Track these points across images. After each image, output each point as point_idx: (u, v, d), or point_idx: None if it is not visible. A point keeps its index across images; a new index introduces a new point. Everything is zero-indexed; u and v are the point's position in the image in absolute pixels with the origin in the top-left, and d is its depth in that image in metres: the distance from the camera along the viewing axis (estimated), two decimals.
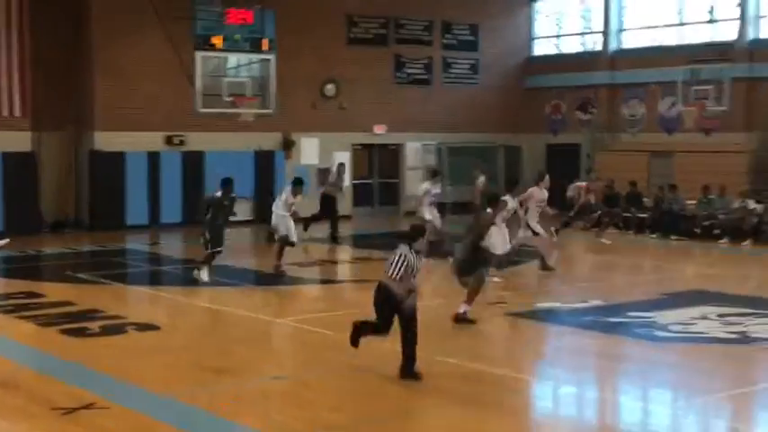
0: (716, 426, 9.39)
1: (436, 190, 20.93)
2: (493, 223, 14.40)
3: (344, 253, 22.59)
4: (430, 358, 10.71)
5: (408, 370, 10.21)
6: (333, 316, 14.05)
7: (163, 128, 26.90)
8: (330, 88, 29.94)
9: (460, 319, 13.02)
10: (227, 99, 26.20)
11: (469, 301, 13.15)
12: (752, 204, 23.85)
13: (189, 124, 26.89)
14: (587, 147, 31.70)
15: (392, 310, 10.23)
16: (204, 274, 16.99)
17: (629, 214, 26.51)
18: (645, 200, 27.06)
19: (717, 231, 24.15)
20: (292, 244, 18.24)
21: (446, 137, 31.41)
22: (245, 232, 25.56)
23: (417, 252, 10.45)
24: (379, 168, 31.84)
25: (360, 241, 24.56)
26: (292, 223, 18.22)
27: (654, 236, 25.15)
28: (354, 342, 10.62)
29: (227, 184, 17.22)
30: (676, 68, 27.96)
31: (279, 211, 18.17)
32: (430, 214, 20.34)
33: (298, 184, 18.37)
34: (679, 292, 16.03)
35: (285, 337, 13.27)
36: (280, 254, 18.11)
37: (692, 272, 19.79)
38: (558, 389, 10.54)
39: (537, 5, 34.44)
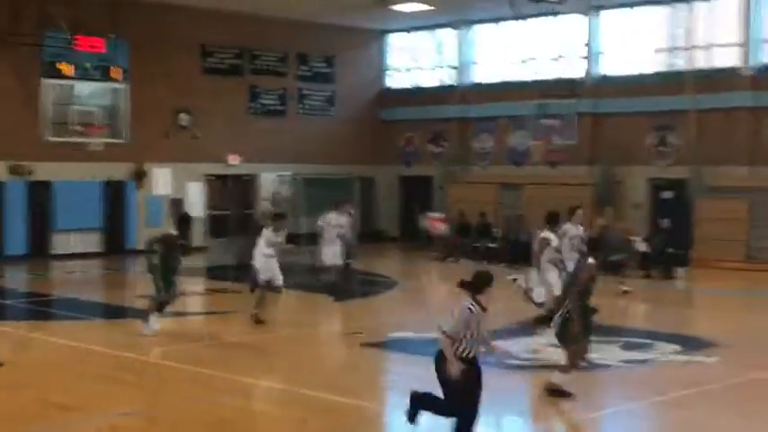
0: None
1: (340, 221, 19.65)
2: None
3: (198, 285, 22.23)
4: (287, 388, 10.62)
5: None
6: (185, 349, 13.77)
7: (6, 156, 25.97)
8: (184, 117, 29.57)
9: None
10: (76, 128, 25.54)
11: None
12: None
13: (36, 153, 26.07)
14: (439, 179, 32.26)
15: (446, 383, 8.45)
16: (154, 324, 14.73)
17: (478, 244, 27.06)
18: (494, 230, 27.69)
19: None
20: (279, 290, 16.07)
21: (301, 168, 31.43)
22: (93, 264, 24.87)
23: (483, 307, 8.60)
24: (234, 199, 31.55)
25: (214, 273, 24.22)
26: (277, 265, 16.06)
27: (503, 265, 25.69)
28: (411, 419, 8.93)
29: (185, 221, 15.47)
30: (525, 103, 28.80)
31: (263, 252, 15.85)
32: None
33: (277, 219, 16.76)
34: (527, 321, 16.35)
35: (135, 372, 12.91)
36: (260, 301, 15.79)
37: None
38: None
39: (390, 38, 34.93)
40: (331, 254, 19.22)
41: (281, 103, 32.10)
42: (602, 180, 28.28)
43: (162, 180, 29.01)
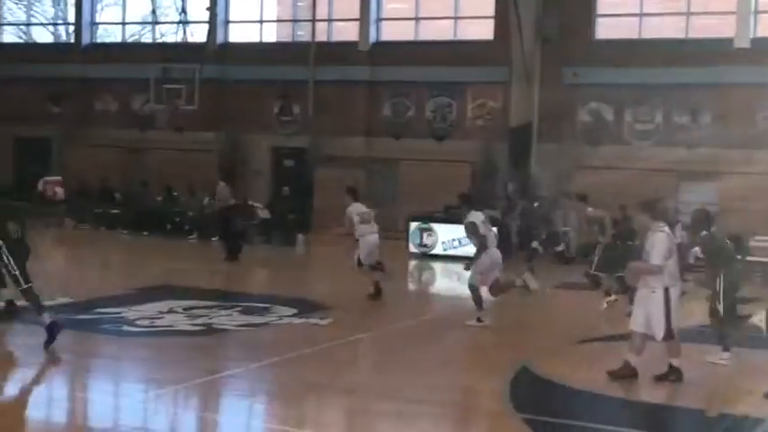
0: (185, 414, 9.58)
1: None
2: None
3: None
4: None
5: None
6: None
7: None
8: None
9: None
10: None
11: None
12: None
13: None
14: (58, 141, 30.82)
15: None
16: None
17: (100, 210, 26.26)
18: (117, 195, 26.99)
19: (187, 227, 24.79)
20: None
21: None
22: None
23: None
24: None
25: None
26: None
27: (125, 232, 25.16)
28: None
29: None
30: (149, 66, 28.19)
31: None
32: None
33: None
34: (147, 287, 16.18)
35: None
36: None
37: (161, 267, 20.04)
38: (24, 389, 10.08)
39: None
40: None
41: None
42: (227, 147, 28.45)
43: None
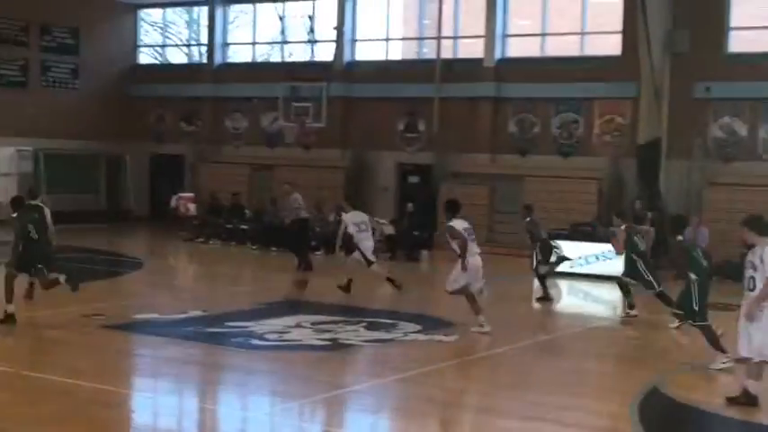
0: (310, 429, 9.72)
1: None
2: None
3: None
4: (19, 372, 10.12)
5: None
6: None
7: None
8: None
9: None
10: None
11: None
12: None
13: None
14: (191, 158, 31.77)
15: None
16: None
17: (230, 226, 26.88)
18: (247, 212, 27.59)
19: (314, 243, 25.10)
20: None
21: (44, 143, 30.00)
22: None
23: None
24: None
25: None
26: None
27: (255, 247, 25.67)
28: None
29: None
30: (278, 84, 28.80)
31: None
32: None
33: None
34: (275, 302, 16.47)
35: None
36: None
37: (289, 282, 20.38)
38: (156, 401, 10.38)
39: (142, 13, 34.01)
40: None
41: (21, 74, 30.49)
42: (353, 164, 28.80)
43: None
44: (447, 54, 28.14)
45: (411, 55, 30.10)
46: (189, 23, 34.34)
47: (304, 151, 29.73)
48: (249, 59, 32.31)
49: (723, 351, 11.78)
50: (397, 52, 30.45)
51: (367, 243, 17.74)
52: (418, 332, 14.06)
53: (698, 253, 12.01)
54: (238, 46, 32.55)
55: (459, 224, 14.47)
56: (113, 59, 33.01)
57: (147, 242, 28.34)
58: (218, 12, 32.00)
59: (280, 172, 28.98)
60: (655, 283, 15.29)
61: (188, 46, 34.47)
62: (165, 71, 33.56)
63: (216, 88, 31.75)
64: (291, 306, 16.06)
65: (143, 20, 34.25)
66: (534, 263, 18.53)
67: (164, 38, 34.74)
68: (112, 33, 33.08)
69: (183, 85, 31.99)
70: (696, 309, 11.79)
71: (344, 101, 29.14)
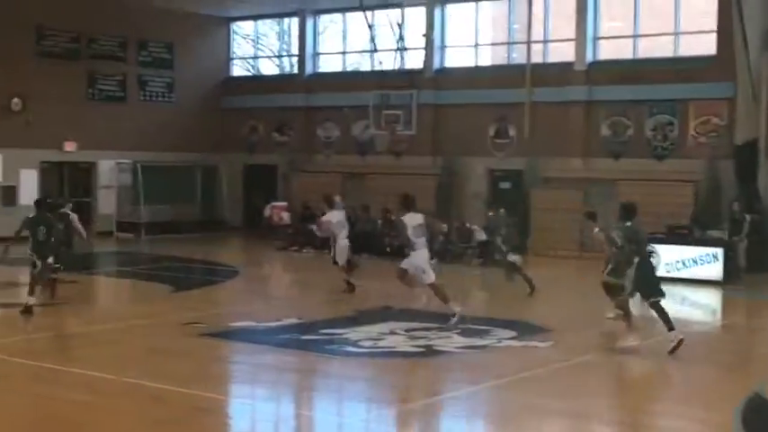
0: None
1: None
2: None
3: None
4: (123, 379, 10.37)
5: None
6: (18, 341, 13.30)
7: None
8: (16, 102, 28.44)
9: None
10: None
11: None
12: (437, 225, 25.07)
13: None
14: (283, 167, 32.16)
15: None
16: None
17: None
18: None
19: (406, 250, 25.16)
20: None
21: (142, 156, 30.72)
22: None
23: None
24: (71, 187, 30.55)
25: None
26: None
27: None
28: None
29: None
30: (368, 93, 28.96)
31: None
32: None
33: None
34: (369, 309, 16.55)
35: None
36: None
37: (382, 289, 20.42)
38: (253, 407, 10.54)
39: (234, 26, 34.60)
40: None
41: (120, 89, 31.30)
42: (443, 170, 28.80)
43: None
44: (537, 58, 27.93)
45: (500, 60, 29.96)
46: (280, 35, 34.79)
47: (395, 159, 29.84)
48: (339, 69, 32.58)
49: None
50: (486, 58, 30.35)
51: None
52: (513, 338, 13.99)
53: None
54: (329, 55, 32.86)
55: (410, 219, 15.35)
56: (207, 72, 33.64)
57: (242, 251, 28.75)
58: (309, 22, 32.37)
59: (371, 180, 29.14)
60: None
61: (279, 57, 34.92)
62: (257, 82, 34.05)
63: (307, 98, 32.10)
64: (385, 313, 16.11)
65: (235, 33, 34.82)
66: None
67: (255, 50, 35.25)
68: (206, 47, 33.71)
69: (274, 96, 32.42)
70: None
71: (434, 108, 29.16)
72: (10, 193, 26.39)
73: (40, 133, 28.64)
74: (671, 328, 12.80)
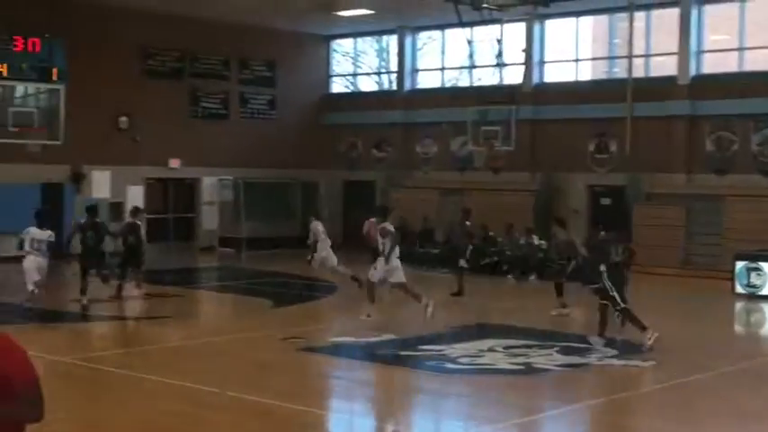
0: None
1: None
2: None
3: (134, 288, 21.92)
4: (224, 393, 10.55)
5: None
6: (123, 354, 13.63)
7: None
8: (124, 120, 29.26)
9: None
10: (13, 129, 25.08)
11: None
12: (536, 241, 24.90)
13: None
14: (382, 183, 32.32)
15: None
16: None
17: (422, 250, 27.11)
18: (437, 236, 27.77)
19: (504, 267, 25.05)
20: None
21: (243, 172, 31.26)
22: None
23: None
24: (175, 203, 31.28)
25: (153, 277, 23.91)
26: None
27: (445, 270, 25.76)
28: None
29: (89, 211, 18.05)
30: (466, 109, 28.94)
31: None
32: None
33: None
34: (467, 326, 16.50)
35: (71, 377, 12.73)
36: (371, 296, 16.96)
37: (481, 306, 20.37)
38: (352, 422, 10.60)
39: (334, 44, 34.99)
40: None
41: (223, 106, 31.93)
42: (543, 186, 28.57)
43: (101, 183, 28.66)
44: (638, 73, 27.54)
45: (601, 75, 29.63)
46: (379, 52, 35.06)
47: (493, 175, 29.73)
48: (438, 85, 32.66)
49: None
50: (586, 73, 30.06)
51: None
52: (613, 357, 13.77)
53: None
54: (427, 72, 32.97)
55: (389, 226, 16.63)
56: (307, 90, 34.07)
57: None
58: (408, 39, 32.55)
59: (469, 195, 29.08)
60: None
61: (378, 74, 35.19)
62: (356, 99, 34.37)
63: (406, 114, 32.25)
64: (484, 330, 16.03)
65: (335, 50, 35.21)
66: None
67: (355, 67, 35.59)
68: (306, 64, 34.15)
69: (373, 113, 32.67)
70: None
71: (533, 123, 28.99)
72: (117, 209, 27.06)
73: (146, 151, 29.40)
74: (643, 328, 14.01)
